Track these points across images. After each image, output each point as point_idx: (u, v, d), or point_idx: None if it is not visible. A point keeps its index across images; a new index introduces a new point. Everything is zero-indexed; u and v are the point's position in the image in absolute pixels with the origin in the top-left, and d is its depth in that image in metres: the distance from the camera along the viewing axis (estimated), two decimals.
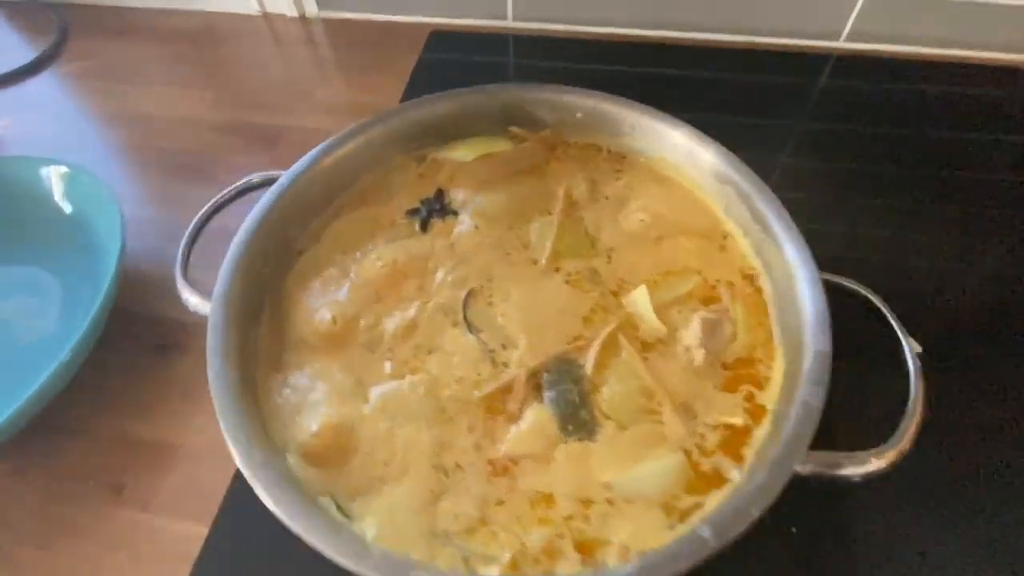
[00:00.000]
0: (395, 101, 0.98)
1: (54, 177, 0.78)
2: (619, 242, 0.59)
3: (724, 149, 0.57)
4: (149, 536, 0.65)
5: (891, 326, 0.50)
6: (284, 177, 0.57)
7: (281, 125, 1.04)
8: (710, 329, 0.50)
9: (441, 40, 1.03)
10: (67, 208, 0.78)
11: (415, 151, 0.66)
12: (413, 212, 0.62)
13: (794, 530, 0.51)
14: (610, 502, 0.44)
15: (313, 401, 0.50)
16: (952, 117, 0.83)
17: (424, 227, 0.61)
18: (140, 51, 1.16)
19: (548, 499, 0.45)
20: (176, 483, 0.69)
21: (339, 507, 0.45)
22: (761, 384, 0.50)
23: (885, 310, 0.51)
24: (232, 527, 0.63)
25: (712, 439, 0.47)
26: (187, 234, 0.59)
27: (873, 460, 0.44)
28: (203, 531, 0.64)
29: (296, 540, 0.60)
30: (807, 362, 0.45)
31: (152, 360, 0.78)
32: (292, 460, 0.47)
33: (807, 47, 0.94)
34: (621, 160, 0.66)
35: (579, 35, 1.00)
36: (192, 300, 0.54)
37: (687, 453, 0.46)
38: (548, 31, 1.00)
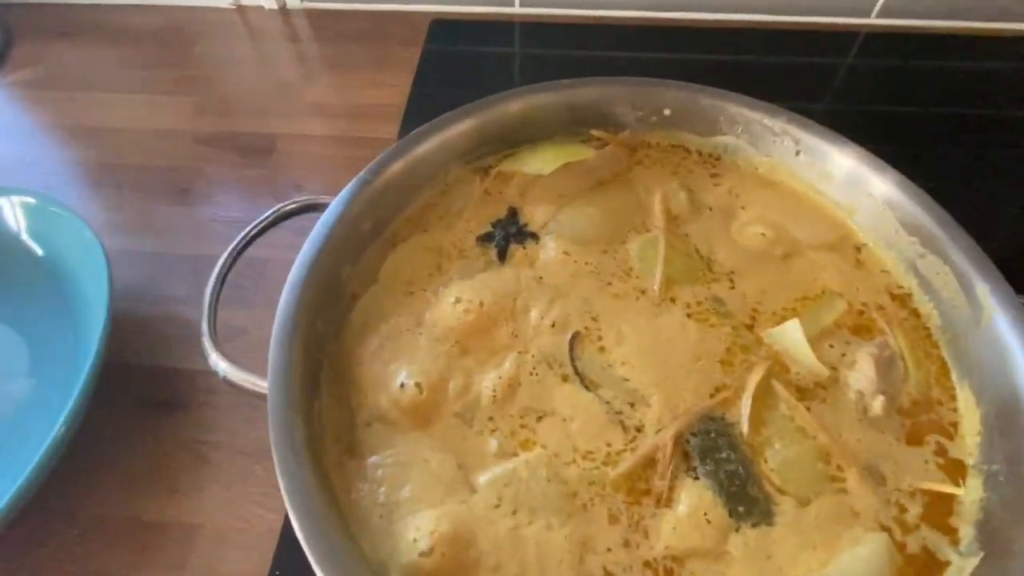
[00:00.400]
0: (402, 101, 0.87)
1: (18, 210, 0.64)
2: (739, 262, 0.49)
3: (861, 149, 0.48)
4: None
5: None
6: (335, 203, 0.46)
7: (273, 133, 0.91)
8: (884, 367, 0.41)
9: (444, 29, 0.92)
10: (38, 249, 0.64)
11: (474, 162, 0.55)
12: (485, 238, 0.51)
13: None
14: None
15: (408, 499, 0.39)
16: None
17: (502, 256, 0.50)
18: (97, 54, 1.01)
19: None
20: (201, 572, 0.57)
21: None
22: (949, 433, 0.41)
23: None
24: None
25: (913, 510, 0.38)
26: (212, 281, 0.47)
27: None
28: None
29: None
30: None
31: (154, 419, 0.65)
32: None
33: (835, 24, 0.88)
34: (716, 162, 0.56)
35: (589, 20, 0.91)
36: (225, 368, 0.42)
37: (887, 530, 0.37)
38: (556, 17, 0.91)
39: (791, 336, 0.43)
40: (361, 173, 0.48)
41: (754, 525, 0.37)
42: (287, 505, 0.34)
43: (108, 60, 0.99)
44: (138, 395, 0.67)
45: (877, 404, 0.40)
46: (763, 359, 0.43)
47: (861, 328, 0.45)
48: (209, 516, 0.61)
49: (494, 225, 0.52)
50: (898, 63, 0.82)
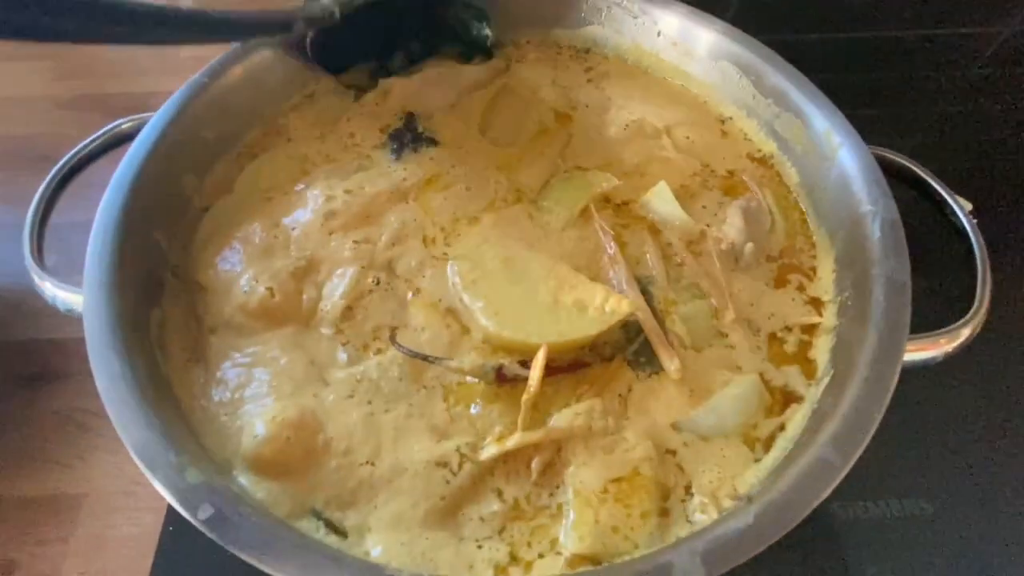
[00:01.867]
0: None
1: None
2: (611, 154, 0.48)
3: (721, 22, 0.48)
4: None
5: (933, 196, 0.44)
6: (165, 107, 0.42)
7: (146, 92, 0.85)
8: (751, 218, 0.42)
9: None
10: None
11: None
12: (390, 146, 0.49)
13: None
14: (686, 445, 0.35)
15: (254, 395, 0.37)
16: None
17: (399, 156, 0.48)
18: None
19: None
20: (86, 544, 0.54)
21: (329, 524, 0.33)
22: (809, 275, 0.42)
23: (924, 174, 0.44)
24: None
25: (780, 348, 0.39)
26: (33, 206, 0.42)
27: (964, 331, 0.38)
28: None
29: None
30: (874, 233, 0.37)
31: (20, 395, 0.60)
32: (244, 479, 0.34)
33: None
34: (586, 55, 0.55)
35: None
36: (59, 295, 0.38)
37: (760, 373, 0.38)
38: None
39: (662, 197, 0.43)
40: (195, 75, 0.45)
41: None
42: (108, 407, 0.31)
43: None
44: (7, 371, 0.62)
45: (747, 251, 0.41)
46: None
47: (730, 189, 0.46)
48: (95, 485, 0.57)
49: (391, 136, 0.49)
50: None
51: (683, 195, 0.45)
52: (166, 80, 0.82)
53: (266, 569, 0.26)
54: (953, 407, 0.58)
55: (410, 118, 0.51)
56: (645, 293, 0.40)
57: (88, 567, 0.52)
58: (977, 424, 0.58)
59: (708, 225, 0.44)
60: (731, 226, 0.42)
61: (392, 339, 0.39)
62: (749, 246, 0.41)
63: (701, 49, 0.50)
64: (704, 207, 0.45)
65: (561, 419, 0.36)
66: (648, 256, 0.42)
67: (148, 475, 0.30)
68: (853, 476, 0.54)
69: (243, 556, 0.27)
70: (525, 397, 0.35)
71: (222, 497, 0.29)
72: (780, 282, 0.42)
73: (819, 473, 0.29)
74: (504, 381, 0.37)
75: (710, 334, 0.40)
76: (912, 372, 0.56)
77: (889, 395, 0.32)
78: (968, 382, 0.60)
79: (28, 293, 0.66)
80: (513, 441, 0.35)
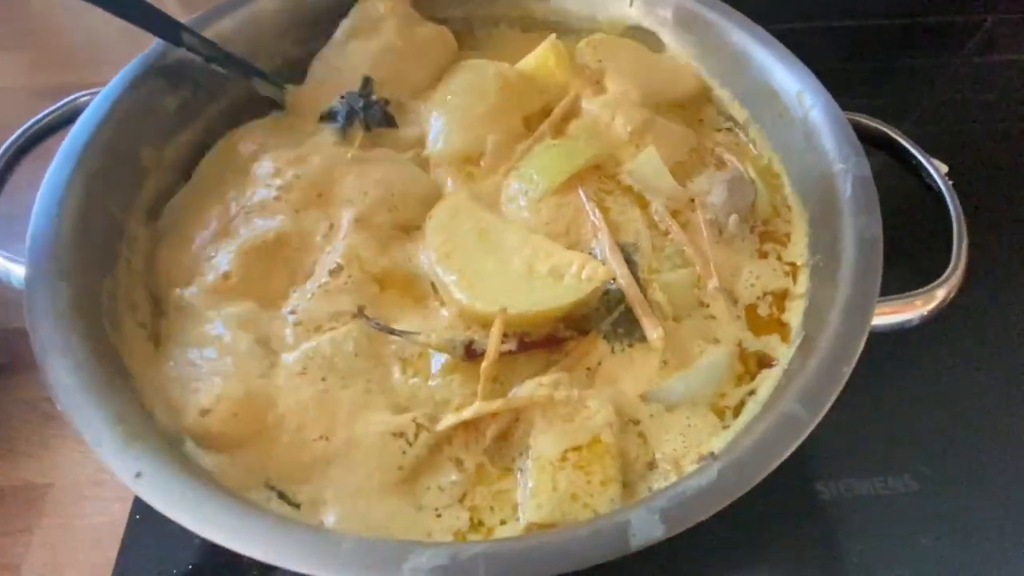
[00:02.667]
0: None
1: None
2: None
3: None
4: None
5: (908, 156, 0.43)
6: (121, 74, 0.41)
7: None
8: (736, 190, 0.41)
9: None
10: None
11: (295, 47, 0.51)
12: (328, 116, 0.47)
13: None
14: (651, 416, 0.34)
15: (204, 373, 0.35)
16: None
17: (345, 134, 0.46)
18: None
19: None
20: (51, 535, 0.52)
21: (282, 496, 0.32)
22: (783, 240, 0.41)
23: (895, 134, 0.43)
24: (139, 570, 0.48)
25: (757, 316, 0.39)
26: None
27: (939, 292, 0.37)
28: None
29: (225, 564, 0.47)
30: (845, 192, 0.36)
31: None
32: (193, 450, 0.33)
33: None
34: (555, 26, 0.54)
35: None
36: (14, 270, 0.37)
37: (738, 343, 0.37)
38: None
39: (651, 163, 0.42)
40: (153, 44, 0.44)
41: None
42: (46, 368, 0.30)
43: None
44: None
45: (731, 223, 0.40)
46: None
47: (714, 163, 0.45)
48: (60, 474, 0.56)
49: (343, 96, 0.47)
50: None
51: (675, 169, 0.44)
52: None
53: (199, 532, 0.25)
54: (937, 383, 0.58)
55: (366, 82, 0.48)
56: (629, 262, 0.39)
57: (53, 558, 0.51)
58: (961, 400, 0.57)
59: (692, 199, 0.42)
60: (716, 196, 0.41)
61: (360, 313, 0.38)
62: (733, 217, 0.41)
63: (671, 16, 0.49)
64: (691, 181, 0.44)
65: (522, 389, 0.34)
66: (633, 223, 0.41)
67: (86, 438, 0.28)
68: (838, 453, 0.54)
69: (174, 518, 0.25)
70: (484, 365, 0.34)
71: (160, 462, 0.28)
72: (761, 252, 0.42)
73: (786, 428, 0.27)
74: (473, 357, 0.36)
75: (691, 304, 0.39)
76: (895, 346, 0.56)
77: (859, 348, 0.31)
78: (950, 356, 0.59)
79: None
80: (471, 411, 0.34)
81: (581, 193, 0.42)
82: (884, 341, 0.58)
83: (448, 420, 0.34)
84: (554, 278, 0.37)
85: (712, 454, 0.31)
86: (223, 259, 0.39)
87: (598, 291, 0.37)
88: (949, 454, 0.54)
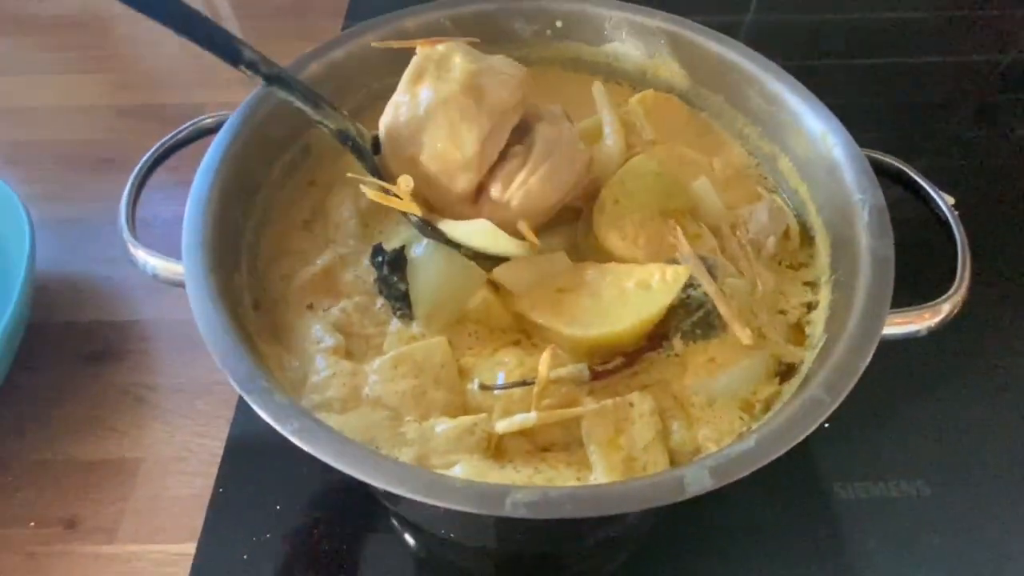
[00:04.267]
0: None
1: None
2: None
3: (728, 39, 0.54)
4: (123, 570, 0.55)
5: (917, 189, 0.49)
6: (238, 111, 0.48)
7: (198, 103, 0.92)
8: (773, 216, 0.47)
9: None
10: None
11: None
12: None
13: None
14: (694, 406, 0.40)
15: (316, 368, 0.41)
16: None
17: None
18: (12, 41, 1.00)
19: None
20: (142, 504, 0.59)
21: None
22: (807, 262, 0.47)
23: (907, 168, 0.49)
24: (223, 539, 0.55)
25: (785, 326, 0.45)
26: (131, 181, 0.48)
27: (944, 306, 0.42)
28: (187, 550, 0.54)
29: (300, 535, 0.54)
30: (863, 219, 0.42)
31: (83, 370, 0.66)
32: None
33: None
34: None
35: None
36: (150, 261, 0.44)
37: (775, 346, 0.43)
38: None
39: (705, 191, 0.48)
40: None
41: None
42: (205, 335, 0.36)
43: (19, 47, 0.99)
44: (70, 350, 0.68)
45: (770, 244, 0.46)
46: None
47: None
48: (150, 451, 0.62)
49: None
50: None
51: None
52: (216, 92, 0.91)
53: (347, 471, 0.31)
54: (951, 396, 0.62)
55: None
56: (710, 272, 0.43)
57: (145, 524, 0.57)
58: (974, 412, 0.62)
59: (732, 225, 0.48)
60: (757, 221, 0.48)
61: (483, 387, 0.41)
62: (771, 239, 0.47)
63: (710, 64, 0.56)
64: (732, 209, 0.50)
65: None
66: (704, 240, 0.45)
67: (246, 396, 0.34)
68: (855, 459, 0.58)
69: (327, 460, 0.31)
70: (536, 390, 0.38)
71: (305, 415, 0.34)
72: (791, 269, 0.48)
73: (812, 409, 0.33)
74: (597, 377, 0.40)
75: (746, 310, 0.43)
76: (913, 361, 0.61)
77: (874, 346, 0.36)
78: (964, 372, 0.64)
79: (83, 278, 0.73)
80: (526, 418, 0.37)
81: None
82: (903, 356, 0.64)
83: (503, 425, 0.38)
84: (643, 289, 0.41)
85: (748, 429, 0.36)
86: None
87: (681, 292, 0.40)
88: (961, 463, 0.58)
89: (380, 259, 0.44)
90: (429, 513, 0.48)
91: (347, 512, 0.56)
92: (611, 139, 0.50)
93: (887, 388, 0.61)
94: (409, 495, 0.29)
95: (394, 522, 0.55)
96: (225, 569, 0.53)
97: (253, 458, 0.60)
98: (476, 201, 0.42)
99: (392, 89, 0.43)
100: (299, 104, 0.41)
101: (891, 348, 0.55)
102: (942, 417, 0.61)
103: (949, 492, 0.56)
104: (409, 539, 0.54)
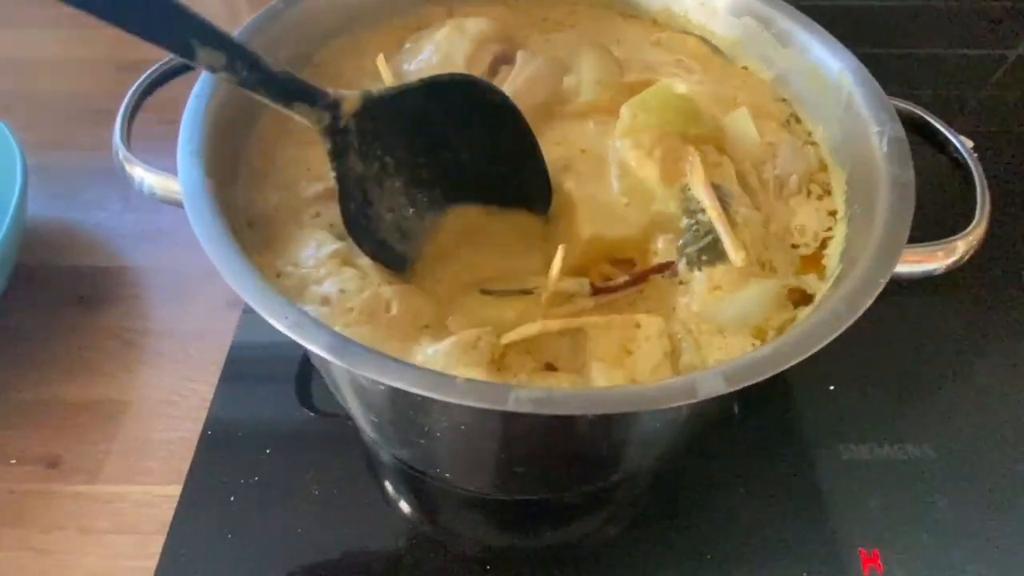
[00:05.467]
0: None
1: None
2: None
3: None
4: (104, 510, 0.53)
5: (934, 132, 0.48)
6: (242, 29, 0.47)
7: None
8: (797, 154, 0.47)
9: None
10: None
11: None
12: None
13: None
14: (702, 332, 0.39)
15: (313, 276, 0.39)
16: None
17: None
18: None
19: None
20: (128, 445, 0.57)
21: None
22: (823, 195, 0.46)
23: (925, 114, 0.48)
24: (209, 482, 0.53)
25: (800, 258, 0.43)
26: (126, 100, 0.47)
27: (960, 244, 0.41)
28: (172, 492, 0.53)
29: (290, 479, 0.53)
30: (881, 149, 0.41)
31: (74, 314, 0.65)
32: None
33: None
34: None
35: None
36: (146, 178, 0.42)
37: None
38: None
39: (742, 119, 0.48)
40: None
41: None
42: (204, 244, 0.34)
43: (26, 1, 0.98)
44: (60, 293, 0.67)
45: (792, 182, 0.46)
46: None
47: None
48: (138, 394, 0.61)
49: None
50: None
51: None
52: None
53: (339, 363, 0.29)
54: (960, 363, 0.62)
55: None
56: (721, 200, 0.42)
57: (130, 465, 0.56)
58: (981, 379, 0.61)
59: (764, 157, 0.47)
60: (783, 158, 0.47)
61: (484, 292, 0.40)
62: (794, 177, 0.46)
63: (720, 5, 0.55)
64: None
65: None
66: (724, 169, 0.45)
67: (240, 293, 0.32)
68: (864, 421, 0.57)
69: (322, 354, 0.30)
70: (545, 296, 0.38)
71: (302, 313, 0.32)
72: (809, 203, 0.46)
73: (829, 321, 0.32)
74: (598, 292, 0.40)
75: (759, 243, 0.42)
76: (923, 325, 0.59)
77: (895, 263, 0.35)
78: (974, 338, 0.63)
79: (75, 223, 0.71)
80: (534, 327, 0.36)
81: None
82: (913, 321, 0.63)
83: (510, 336, 0.36)
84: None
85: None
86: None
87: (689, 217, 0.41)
88: (967, 429, 0.57)
89: None
90: (423, 450, 0.47)
91: (338, 458, 0.54)
92: None
93: (897, 356, 0.62)
94: (414, 390, 0.27)
95: (383, 467, 0.54)
96: (211, 510, 0.51)
97: (245, 402, 0.58)
98: None
99: None
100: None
101: (897, 305, 0.53)
102: (952, 384, 0.60)
103: (953, 456, 0.56)
104: (400, 487, 0.53)
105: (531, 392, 0.27)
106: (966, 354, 0.62)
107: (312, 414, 0.57)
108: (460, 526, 0.53)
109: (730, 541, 0.51)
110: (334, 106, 0.37)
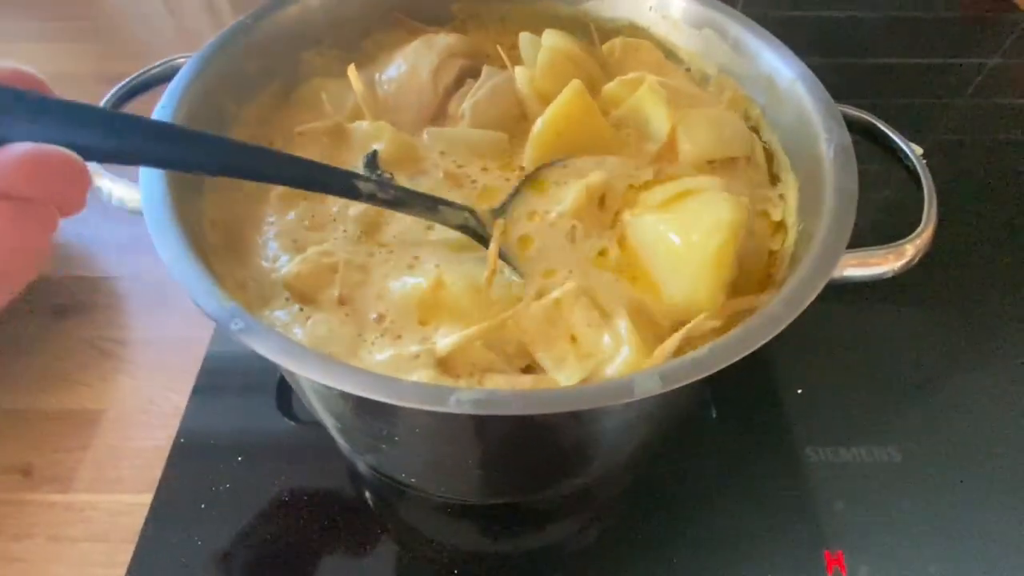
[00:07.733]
0: None
1: None
2: None
3: None
4: (75, 518, 0.54)
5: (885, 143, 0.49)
6: (210, 44, 0.48)
7: None
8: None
9: None
10: None
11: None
12: None
13: None
14: None
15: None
16: None
17: None
18: None
19: None
20: (101, 454, 0.58)
21: None
22: (778, 201, 0.47)
23: (876, 121, 0.49)
24: (180, 490, 0.54)
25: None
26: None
27: (908, 248, 0.42)
28: (143, 500, 0.53)
29: (261, 486, 0.53)
30: (828, 156, 0.42)
31: (50, 324, 0.65)
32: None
33: None
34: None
35: None
36: (115, 190, 0.43)
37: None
38: None
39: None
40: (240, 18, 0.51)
41: None
42: (160, 250, 0.35)
43: (12, 16, 0.99)
44: (37, 304, 0.67)
45: None
46: None
47: None
48: (113, 403, 0.61)
49: None
50: None
51: None
52: None
53: (286, 365, 0.30)
54: (926, 367, 0.62)
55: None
56: None
57: (103, 474, 0.56)
58: (947, 383, 0.62)
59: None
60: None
61: None
62: None
63: (681, 17, 0.56)
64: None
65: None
66: None
67: (194, 299, 0.33)
68: (829, 423, 0.58)
69: (269, 356, 0.30)
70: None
71: (252, 319, 0.33)
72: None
73: (766, 324, 0.32)
74: None
75: None
76: (890, 330, 0.60)
77: (834, 265, 0.36)
78: (939, 342, 0.64)
79: (62, 236, 0.72)
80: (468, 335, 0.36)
81: None
82: (879, 326, 0.64)
83: (444, 343, 0.36)
84: None
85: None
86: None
87: None
88: (932, 433, 0.58)
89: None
90: (387, 455, 0.47)
91: (311, 465, 0.55)
92: None
93: (865, 358, 0.63)
94: (357, 392, 0.28)
95: (356, 475, 0.54)
96: (181, 518, 0.52)
97: (218, 411, 0.59)
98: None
99: None
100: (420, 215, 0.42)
101: (863, 312, 0.54)
102: (918, 389, 0.61)
103: (918, 460, 0.56)
104: (372, 494, 0.53)
105: (472, 393, 0.28)
106: (932, 359, 0.63)
107: (292, 423, 0.58)
108: (432, 531, 0.54)
109: (698, 543, 0.51)
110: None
